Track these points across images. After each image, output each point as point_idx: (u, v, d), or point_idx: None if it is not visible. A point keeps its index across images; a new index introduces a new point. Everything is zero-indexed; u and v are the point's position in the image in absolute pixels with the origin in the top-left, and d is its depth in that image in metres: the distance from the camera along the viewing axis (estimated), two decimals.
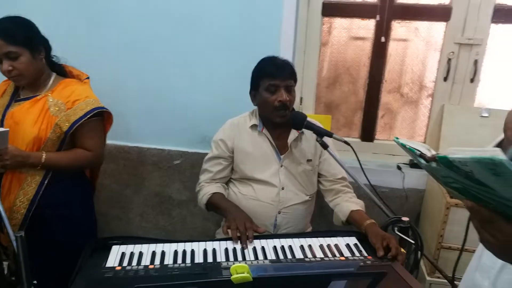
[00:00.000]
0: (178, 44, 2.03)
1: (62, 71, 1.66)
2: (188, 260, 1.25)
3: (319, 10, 1.99)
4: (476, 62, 1.92)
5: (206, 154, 1.75)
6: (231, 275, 0.81)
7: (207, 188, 1.66)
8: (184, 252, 1.30)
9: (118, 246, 1.32)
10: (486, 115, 1.91)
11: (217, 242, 1.37)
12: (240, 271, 0.81)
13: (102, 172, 1.88)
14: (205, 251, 1.30)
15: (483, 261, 0.94)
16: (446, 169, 0.70)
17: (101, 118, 1.64)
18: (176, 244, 1.34)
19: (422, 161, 0.72)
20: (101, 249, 1.29)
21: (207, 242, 1.36)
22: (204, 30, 1.99)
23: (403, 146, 0.76)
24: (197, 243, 1.35)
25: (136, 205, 2.35)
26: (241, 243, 1.36)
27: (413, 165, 2.06)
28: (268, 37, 1.93)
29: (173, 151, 2.20)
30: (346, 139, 1.54)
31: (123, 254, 1.27)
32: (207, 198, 1.63)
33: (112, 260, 1.24)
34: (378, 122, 2.16)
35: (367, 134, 2.18)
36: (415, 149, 0.73)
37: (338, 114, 2.19)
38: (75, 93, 1.58)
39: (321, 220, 2.02)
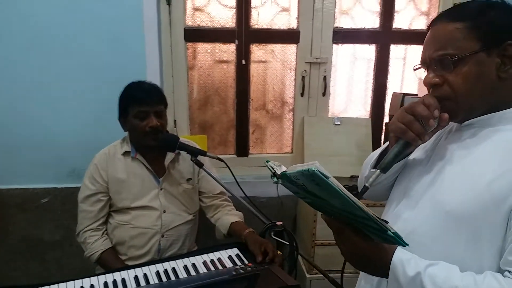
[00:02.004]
0: (38, 72, 1.91)
1: None
2: None
3: (181, 36, 2.07)
4: (325, 78, 2.21)
5: (78, 188, 1.65)
6: None
7: (94, 246, 1.57)
8: None
9: None
10: (339, 123, 2.20)
11: (95, 277, 1.30)
12: None
13: None
14: None
15: None
16: (290, 185, 0.78)
17: None
18: (48, 286, 1.24)
19: (275, 179, 0.78)
20: None
21: (84, 279, 1.28)
22: (66, 57, 1.91)
23: (269, 167, 0.82)
24: (72, 282, 1.26)
25: (0, 253, 2.08)
26: None
27: None
28: (133, 63, 1.94)
29: (39, 189, 2.02)
30: (223, 156, 1.62)
31: None
32: (96, 257, 1.56)
33: None
34: (250, 138, 2.31)
35: (242, 150, 2.30)
36: (272, 168, 0.79)
37: (213, 134, 2.28)
38: None
39: (207, 238, 2.05)
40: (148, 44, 1.93)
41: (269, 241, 1.46)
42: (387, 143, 0.96)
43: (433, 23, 0.88)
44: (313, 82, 2.22)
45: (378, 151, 1.02)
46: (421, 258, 0.77)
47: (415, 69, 0.93)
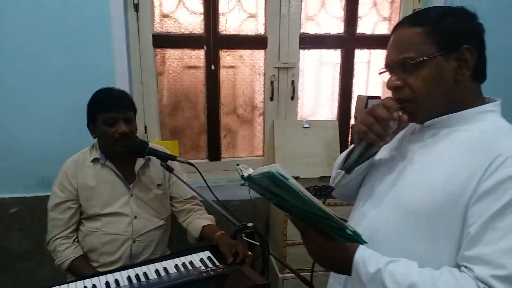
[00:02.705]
0: (3, 79, 1.88)
1: None
2: None
3: (150, 42, 2.08)
4: (293, 82, 2.27)
5: (47, 196, 1.64)
6: None
7: (64, 254, 1.57)
8: None
9: None
10: (307, 126, 2.26)
11: (65, 285, 1.30)
12: None
13: None
14: None
15: None
16: (257, 187, 0.79)
17: None
18: None
19: (242, 181, 0.80)
20: None
21: None
22: (33, 63, 1.89)
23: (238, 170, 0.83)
24: None
25: None
26: None
27: None
28: (101, 70, 1.94)
29: (7, 199, 1.99)
30: (195, 161, 1.62)
31: None
32: (67, 265, 1.56)
33: None
34: (222, 142, 2.33)
35: (214, 154, 2.33)
36: (241, 171, 0.81)
37: (184, 139, 2.29)
38: None
39: (180, 243, 2.06)
40: (116, 51, 1.94)
41: (240, 243, 1.49)
42: (354, 145, 0.99)
43: (396, 28, 0.92)
44: (282, 86, 2.27)
45: (346, 152, 1.06)
46: (382, 256, 0.80)
47: (380, 73, 0.97)
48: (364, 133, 0.89)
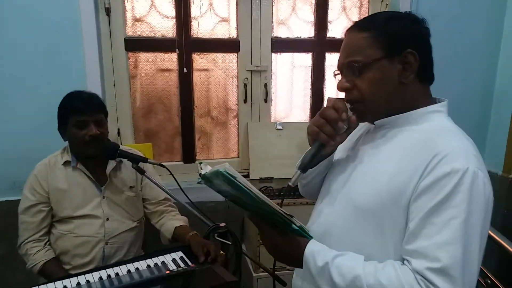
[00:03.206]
0: None
1: None
2: None
3: (122, 45, 2.09)
4: (266, 85, 2.31)
5: (19, 201, 1.63)
6: None
7: (35, 257, 1.57)
8: None
9: None
10: (281, 127, 2.31)
11: (36, 287, 1.30)
12: None
13: None
14: None
15: None
16: (212, 185, 0.83)
17: None
18: None
19: (199, 179, 0.83)
20: None
21: None
22: (4, 67, 1.88)
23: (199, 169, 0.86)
24: None
25: None
26: None
27: None
28: (73, 73, 1.94)
29: None
30: (169, 163, 1.63)
31: None
32: (38, 268, 1.56)
33: None
34: (197, 144, 2.36)
35: (188, 156, 2.35)
36: (200, 169, 0.83)
37: (158, 141, 2.31)
38: None
39: (155, 244, 2.07)
40: (88, 54, 1.94)
41: (211, 242, 1.52)
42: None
43: (347, 32, 0.95)
44: (255, 89, 2.31)
45: (304, 153, 1.09)
46: (331, 249, 0.85)
47: (334, 75, 1.00)
48: (316, 134, 0.93)
